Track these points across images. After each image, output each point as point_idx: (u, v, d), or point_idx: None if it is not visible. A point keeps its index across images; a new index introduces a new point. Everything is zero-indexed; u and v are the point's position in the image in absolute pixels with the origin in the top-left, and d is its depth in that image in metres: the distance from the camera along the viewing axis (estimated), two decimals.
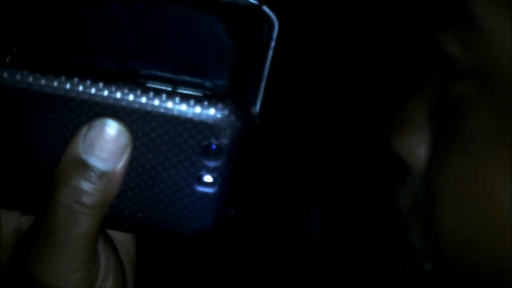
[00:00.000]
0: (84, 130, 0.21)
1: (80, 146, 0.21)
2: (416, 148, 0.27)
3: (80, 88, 0.21)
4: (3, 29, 0.22)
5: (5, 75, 0.21)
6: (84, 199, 0.21)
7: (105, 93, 0.21)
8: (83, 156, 0.21)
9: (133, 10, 0.22)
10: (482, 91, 0.24)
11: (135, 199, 0.23)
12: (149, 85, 0.22)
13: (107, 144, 0.21)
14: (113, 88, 0.21)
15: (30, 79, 0.21)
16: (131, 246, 0.27)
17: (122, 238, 0.26)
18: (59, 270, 0.22)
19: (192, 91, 0.22)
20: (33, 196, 0.23)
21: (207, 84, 0.22)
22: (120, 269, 0.25)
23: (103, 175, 0.21)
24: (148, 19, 0.22)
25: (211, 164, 0.22)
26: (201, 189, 0.23)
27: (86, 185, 0.21)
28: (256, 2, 0.22)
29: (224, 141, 0.22)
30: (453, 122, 0.25)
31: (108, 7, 0.22)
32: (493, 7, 0.23)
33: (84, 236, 0.21)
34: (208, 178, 0.23)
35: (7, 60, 0.21)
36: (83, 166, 0.21)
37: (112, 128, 0.21)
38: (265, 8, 0.22)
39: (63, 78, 0.21)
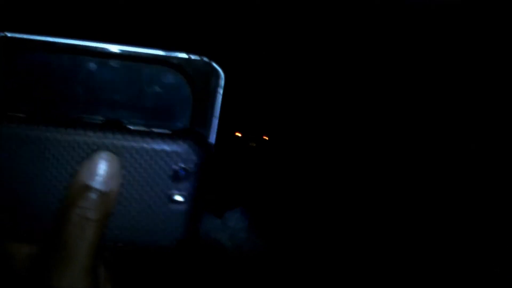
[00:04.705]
0: (86, 162, 0.28)
1: (84, 174, 0.28)
2: None
3: (82, 133, 0.28)
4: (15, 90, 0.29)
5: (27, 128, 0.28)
6: (90, 215, 0.28)
7: (101, 135, 0.29)
8: (87, 181, 0.28)
9: (115, 73, 0.29)
10: None
11: (123, 219, 0.29)
12: (131, 127, 0.29)
13: (104, 171, 0.28)
14: (106, 132, 0.29)
15: (45, 130, 0.28)
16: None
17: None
18: (73, 277, 0.28)
19: (163, 131, 0.30)
20: (41, 226, 0.29)
21: (174, 124, 0.30)
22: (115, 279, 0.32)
23: (103, 194, 0.28)
24: (124, 79, 0.29)
25: (181, 185, 0.30)
26: (174, 206, 0.30)
27: (91, 204, 0.28)
28: (206, 60, 0.30)
29: (190, 165, 0.30)
30: None
31: (96, 76, 0.29)
32: None
33: (90, 246, 0.28)
34: (178, 197, 0.30)
35: (22, 116, 0.28)
36: (88, 189, 0.28)
37: (107, 159, 0.28)
38: (213, 63, 0.30)
39: (70, 128, 0.28)
